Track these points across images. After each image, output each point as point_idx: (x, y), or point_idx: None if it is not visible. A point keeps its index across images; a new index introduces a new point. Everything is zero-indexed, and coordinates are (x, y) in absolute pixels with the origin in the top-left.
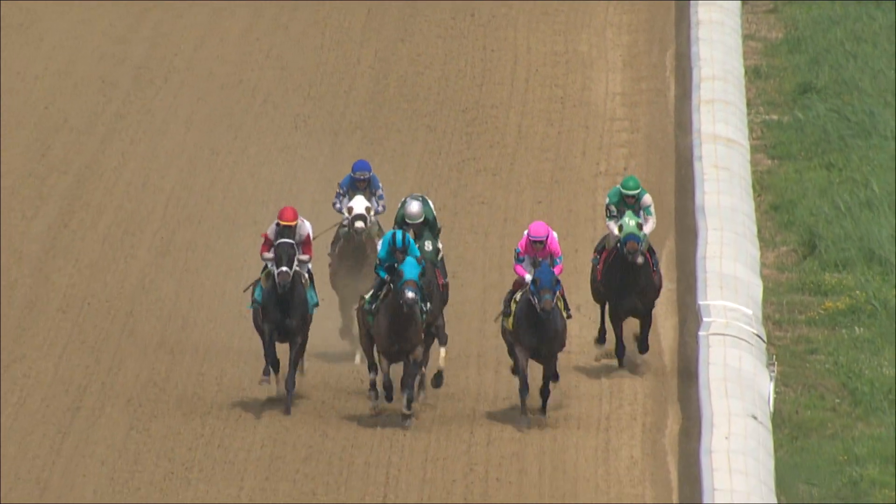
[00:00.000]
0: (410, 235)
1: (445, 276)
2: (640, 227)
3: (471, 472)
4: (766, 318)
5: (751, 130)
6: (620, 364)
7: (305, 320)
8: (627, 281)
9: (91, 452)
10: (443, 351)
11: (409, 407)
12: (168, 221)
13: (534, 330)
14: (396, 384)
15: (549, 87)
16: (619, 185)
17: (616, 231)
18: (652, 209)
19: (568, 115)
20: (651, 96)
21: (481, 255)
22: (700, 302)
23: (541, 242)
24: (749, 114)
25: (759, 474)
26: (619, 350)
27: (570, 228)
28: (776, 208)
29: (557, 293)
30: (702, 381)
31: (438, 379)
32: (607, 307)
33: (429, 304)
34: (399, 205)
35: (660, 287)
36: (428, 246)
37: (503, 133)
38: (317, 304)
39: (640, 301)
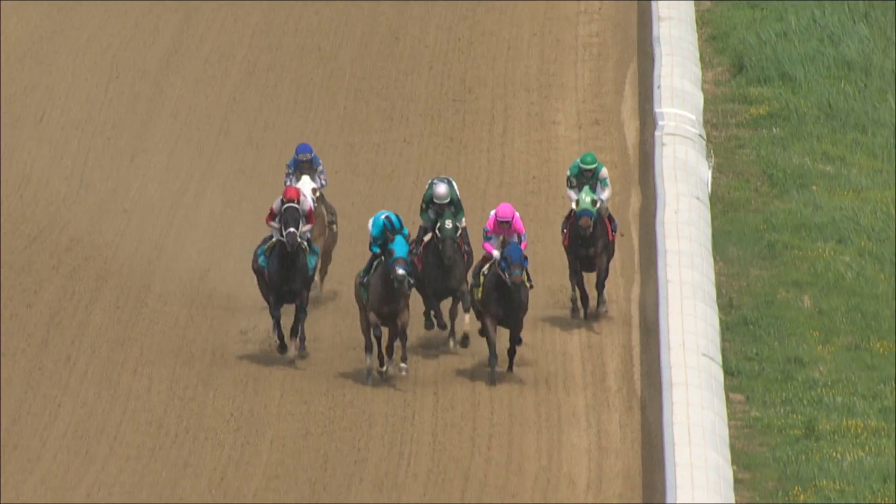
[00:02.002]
0: (433, 214)
1: (469, 246)
2: (594, 203)
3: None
4: (706, 122)
5: None
6: (585, 316)
7: (307, 283)
8: (586, 243)
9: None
10: (467, 317)
11: (403, 360)
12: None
13: (501, 301)
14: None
15: None
16: (578, 160)
17: (574, 205)
18: (608, 181)
19: None
20: None
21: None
22: (656, 110)
23: (507, 222)
24: None
25: (700, 239)
26: (584, 300)
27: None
28: (714, 38)
29: (525, 266)
30: (657, 170)
31: (465, 341)
32: (570, 265)
33: (412, 281)
34: (427, 186)
35: (614, 246)
36: (448, 223)
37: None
38: (314, 269)
39: (597, 261)
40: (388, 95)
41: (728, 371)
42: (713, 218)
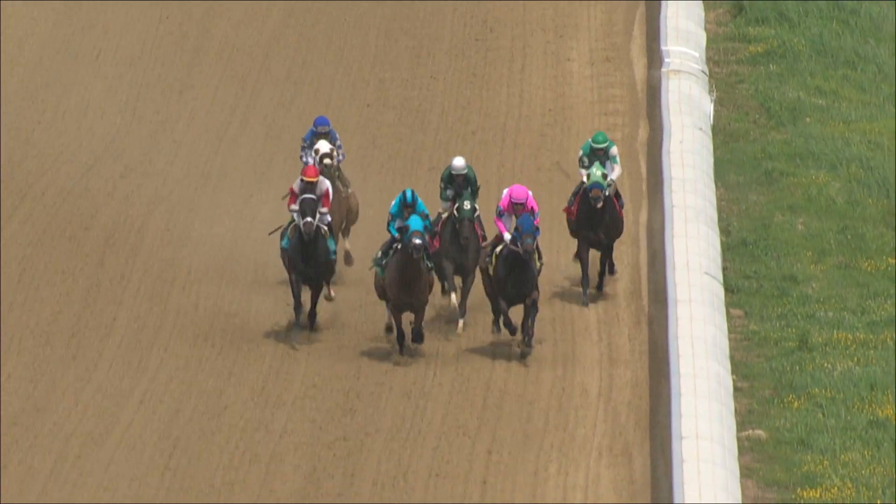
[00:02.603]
0: (451, 192)
1: (483, 230)
2: (604, 176)
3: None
4: (708, 59)
5: None
6: (584, 296)
7: (328, 266)
8: (595, 217)
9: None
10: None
11: (418, 340)
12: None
13: (513, 278)
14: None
15: None
16: (590, 140)
17: (585, 178)
18: (618, 159)
19: None
20: None
21: None
22: (662, 48)
23: (521, 204)
24: None
25: (703, 167)
26: (584, 281)
27: None
28: None
29: (537, 237)
30: (663, 104)
31: (461, 310)
32: (578, 241)
33: (431, 264)
34: (445, 168)
35: (622, 223)
36: (466, 204)
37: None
38: (335, 252)
39: (605, 234)
40: (415, 35)
41: (728, 288)
42: (715, 147)
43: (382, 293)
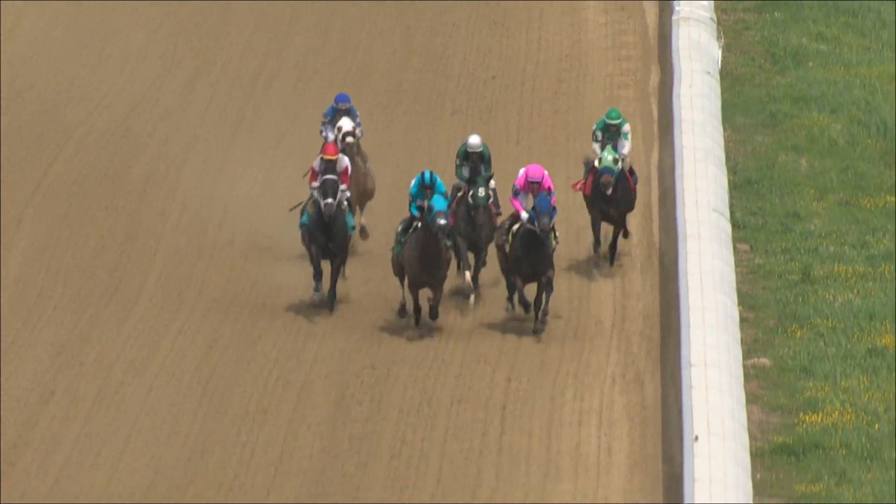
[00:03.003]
0: (466, 170)
1: (498, 208)
2: (616, 161)
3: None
4: (717, 7)
5: None
6: (595, 251)
7: (346, 241)
8: (608, 200)
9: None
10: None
11: (434, 316)
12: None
13: (529, 257)
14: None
15: None
16: (604, 116)
17: (598, 151)
18: (629, 135)
19: None
20: None
21: None
22: None
23: (537, 183)
24: None
25: (711, 110)
26: (596, 246)
27: None
28: None
29: (554, 217)
30: (673, 49)
31: (471, 288)
32: (591, 213)
33: (451, 241)
34: (461, 145)
35: (634, 198)
36: (481, 191)
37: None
38: (354, 227)
39: (616, 210)
40: None
41: (735, 224)
42: (722, 91)
43: (400, 271)
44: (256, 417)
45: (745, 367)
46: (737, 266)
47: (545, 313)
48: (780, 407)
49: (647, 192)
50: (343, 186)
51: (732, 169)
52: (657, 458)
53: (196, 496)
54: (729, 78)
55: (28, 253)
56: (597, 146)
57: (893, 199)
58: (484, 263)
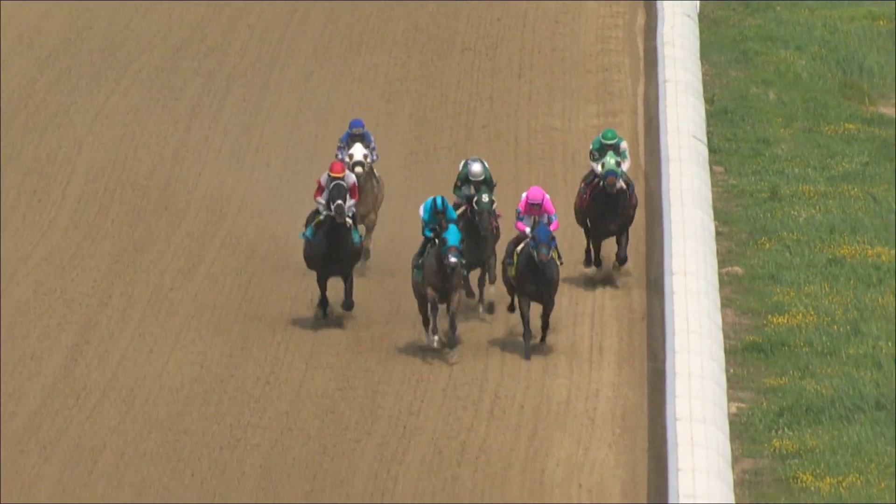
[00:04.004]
0: (471, 191)
1: (497, 220)
2: (618, 164)
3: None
4: None
5: None
6: (598, 265)
7: (354, 257)
8: (609, 208)
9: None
10: (492, 288)
11: (452, 345)
12: None
13: (534, 279)
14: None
15: None
16: (599, 136)
17: (599, 169)
18: (627, 153)
19: None
20: None
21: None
22: None
23: (538, 204)
24: None
25: (691, 48)
26: (598, 262)
27: None
28: None
29: (553, 246)
30: None
31: (491, 307)
32: (591, 230)
33: (464, 261)
34: (461, 165)
35: (634, 209)
36: (485, 198)
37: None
38: (361, 240)
39: (618, 224)
40: None
41: (712, 149)
42: (700, 32)
43: (422, 296)
44: (290, 319)
45: (720, 275)
46: (713, 186)
47: (546, 327)
48: (751, 310)
49: (633, 121)
50: (351, 201)
51: (709, 100)
52: (643, 355)
53: (237, 388)
54: (706, 20)
55: (89, 174)
56: (595, 165)
57: (851, 126)
58: (492, 280)
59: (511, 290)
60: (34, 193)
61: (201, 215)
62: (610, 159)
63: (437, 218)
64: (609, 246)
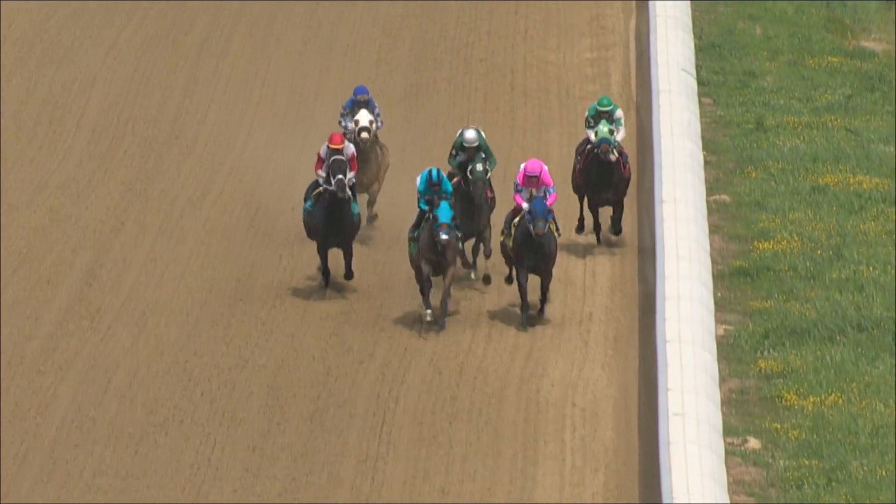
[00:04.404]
0: (462, 159)
1: (492, 191)
2: (611, 132)
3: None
4: None
5: None
6: (598, 241)
7: (354, 229)
8: (603, 177)
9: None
10: (486, 263)
11: (444, 314)
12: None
13: (531, 252)
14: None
15: None
16: (595, 103)
17: (593, 137)
18: (622, 121)
19: None
20: None
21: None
22: None
23: (535, 177)
24: None
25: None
26: (597, 230)
27: None
28: None
29: (549, 220)
30: None
31: (487, 279)
32: (585, 199)
33: (459, 234)
34: (457, 134)
35: (628, 180)
36: (479, 166)
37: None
38: (359, 214)
39: (613, 193)
40: None
41: (700, 82)
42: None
43: (418, 267)
44: (296, 246)
45: (708, 202)
46: (702, 117)
47: (545, 300)
48: (738, 236)
49: (625, 54)
50: (351, 174)
51: (698, 34)
52: (634, 280)
53: (244, 312)
54: None
55: (102, 105)
56: (590, 132)
57: (835, 59)
58: (488, 254)
59: (509, 262)
60: (50, 124)
61: (210, 146)
62: (603, 127)
63: (432, 189)
64: (604, 214)
